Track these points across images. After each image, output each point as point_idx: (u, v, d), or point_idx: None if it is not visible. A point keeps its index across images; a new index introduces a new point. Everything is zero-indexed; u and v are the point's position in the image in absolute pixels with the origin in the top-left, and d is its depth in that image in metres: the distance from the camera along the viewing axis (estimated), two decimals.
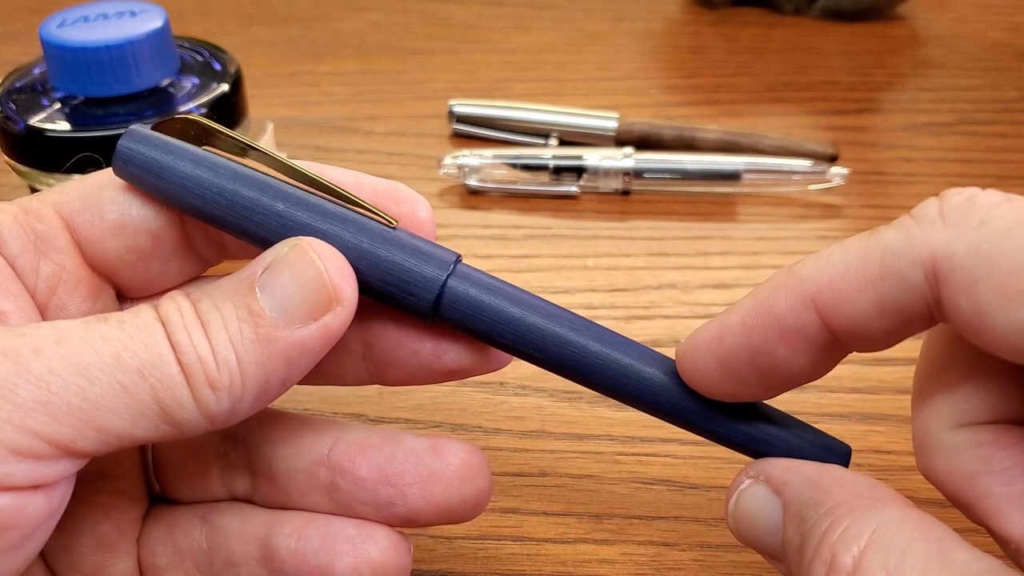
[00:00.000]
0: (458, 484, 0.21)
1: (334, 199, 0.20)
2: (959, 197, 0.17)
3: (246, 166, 0.20)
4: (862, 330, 0.18)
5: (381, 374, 0.22)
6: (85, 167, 0.21)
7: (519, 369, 0.32)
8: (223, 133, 0.21)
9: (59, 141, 0.32)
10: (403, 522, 0.21)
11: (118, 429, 0.17)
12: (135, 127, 0.20)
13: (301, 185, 0.20)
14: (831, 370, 0.20)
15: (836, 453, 0.21)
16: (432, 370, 0.21)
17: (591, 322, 0.21)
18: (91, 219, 0.21)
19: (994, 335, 0.16)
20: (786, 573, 0.19)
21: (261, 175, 0.20)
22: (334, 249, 0.19)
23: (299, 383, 0.20)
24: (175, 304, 0.18)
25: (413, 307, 0.20)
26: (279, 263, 0.19)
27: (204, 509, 0.22)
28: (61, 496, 0.18)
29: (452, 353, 0.21)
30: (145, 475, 0.23)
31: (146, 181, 0.20)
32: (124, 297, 0.22)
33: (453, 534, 0.26)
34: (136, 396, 0.17)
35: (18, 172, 0.33)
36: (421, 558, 0.26)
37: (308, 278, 0.19)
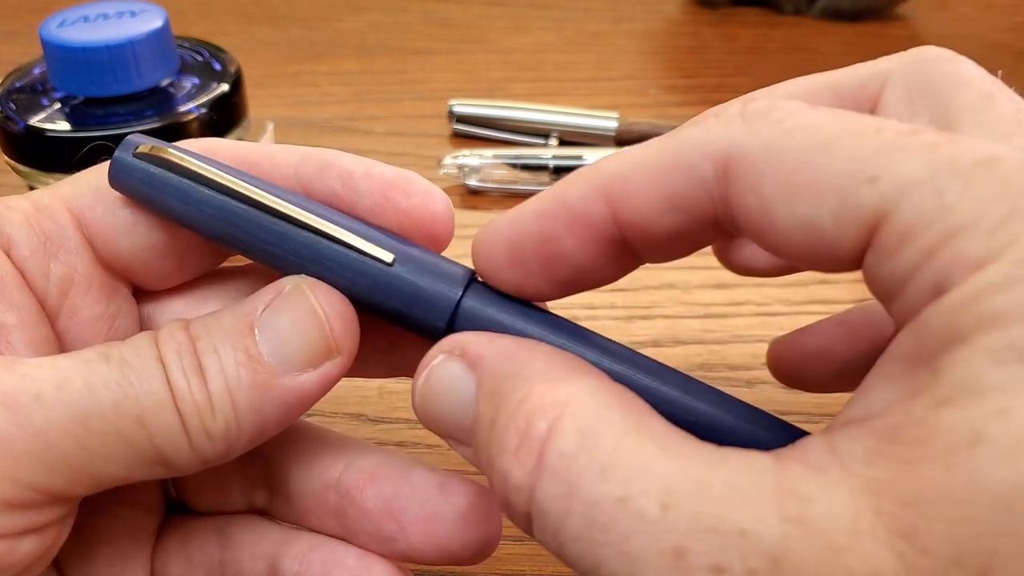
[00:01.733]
0: (463, 528, 0.20)
1: (324, 238, 0.19)
2: (762, 100, 0.16)
3: (232, 198, 0.19)
4: (647, 226, 0.17)
5: (407, 368, 0.21)
6: (96, 157, 0.21)
7: None
8: (199, 166, 0.19)
9: (59, 141, 0.32)
10: (403, 558, 0.20)
11: (112, 474, 0.17)
12: (130, 138, 0.20)
13: (292, 220, 0.19)
14: (619, 278, 0.19)
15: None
16: None
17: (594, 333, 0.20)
18: (103, 215, 0.20)
19: (777, 232, 0.15)
20: (472, 457, 0.18)
21: (241, 213, 0.19)
22: (336, 293, 0.19)
23: None
24: (175, 342, 0.18)
25: (425, 337, 0.19)
26: (280, 304, 0.18)
27: (222, 522, 0.22)
28: (56, 534, 0.18)
29: None
30: (163, 485, 0.22)
31: (145, 198, 0.20)
32: (140, 292, 0.21)
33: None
34: (134, 443, 0.17)
35: (18, 172, 0.33)
36: None
37: (308, 326, 0.18)
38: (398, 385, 0.31)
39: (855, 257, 0.15)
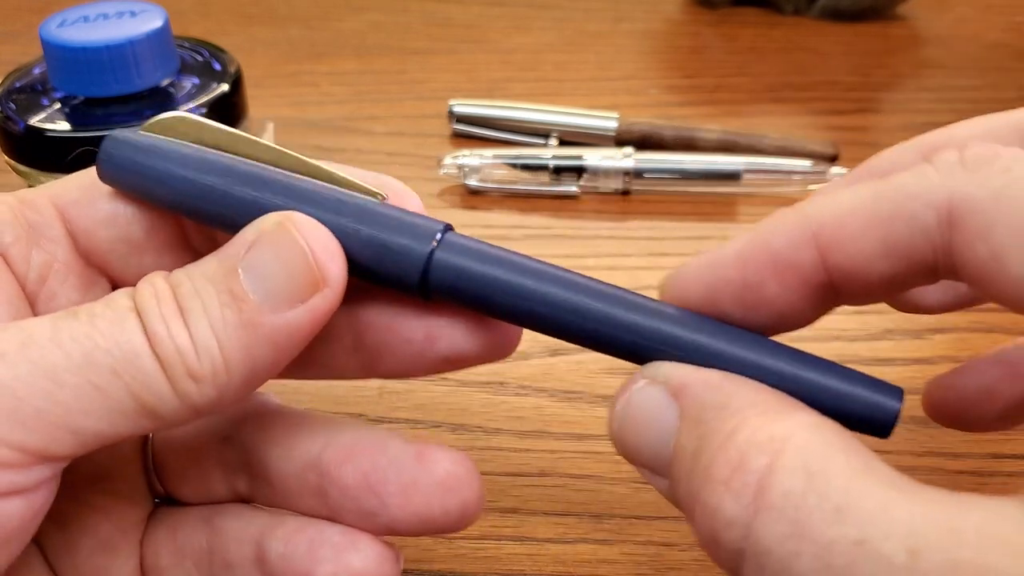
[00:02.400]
0: (441, 495, 0.20)
1: (322, 179, 0.20)
2: (981, 148, 0.17)
3: (230, 158, 0.20)
4: (861, 272, 0.17)
5: (374, 365, 0.21)
6: (88, 160, 0.21)
7: (520, 369, 0.32)
8: (210, 126, 0.21)
9: (59, 141, 0.32)
10: (387, 531, 0.20)
11: (95, 429, 0.17)
12: (115, 133, 0.20)
13: (288, 170, 0.20)
14: (815, 320, 0.19)
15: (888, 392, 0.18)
16: (427, 358, 0.20)
17: (586, 277, 0.20)
18: (85, 209, 0.20)
19: (1008, 281, 0.15)
20: (666, 490, 0.17)
21: (243, 165, 0.20)
22: (319, 225, 0.18)
23: (293, 378, 0.20)
24: (152, 289, 0.18)
25: (401, 281, 0.19)
26: (262, 241, 0.18)
27: (208, 511, 0.22)
28: (44, 497, 0.17)
29: (446, 340, 0.20)
30: (147, 477, 0.23)
31: (130, 184, 0.20)
32: (118, 286, 0.22)
33: (454, 534, 0.26)
34: (111, 395, 0.17)
35: (18, 172, 0.33)
36: (421, 558, 0.26)
37: (292, 259, 0.18)
38: (398, 385, 0.31)
39: None
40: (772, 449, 0.15)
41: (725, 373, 0.18)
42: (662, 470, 0.18)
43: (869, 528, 0.14)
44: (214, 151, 0.20)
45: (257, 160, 0.20)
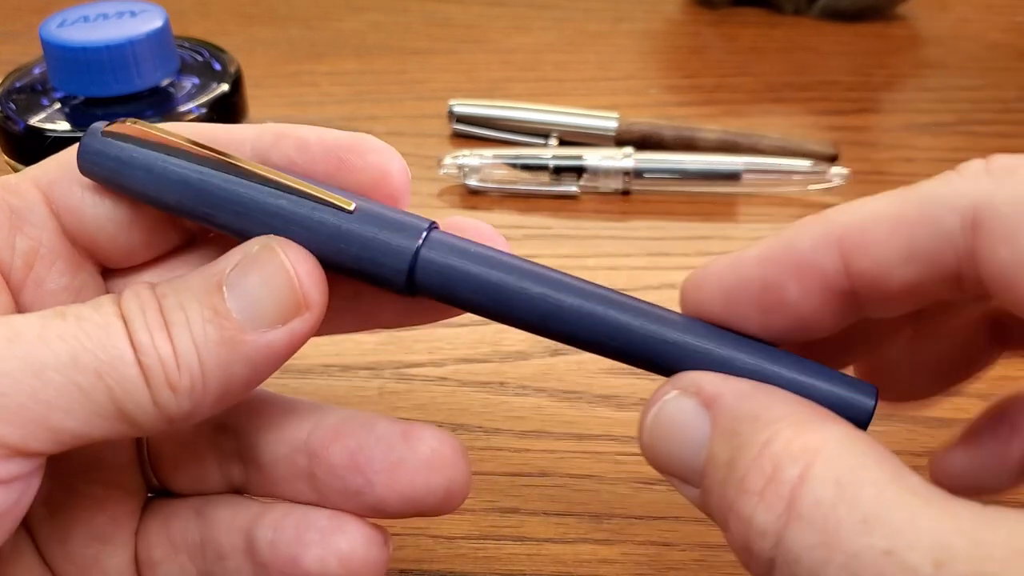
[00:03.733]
0: (426, 473, 0.20)
1: (286, 192, 0.19)
2: (1006, 158, 0.17)
3: (195, 167, 0.20)
4: (884, 277, 0.17)
5: (373, 316, 0.21)
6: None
7: (519, 369, 0.32)
8: (164, 135, 0.20)
9: (59, 141, 0.32)
10: (373, 512, 0.20)
11: (72, 429, 0.17)
12: (96, 126, 0.20)
13: (254, 176, 0.20)
14: (835, 331, 0.19)
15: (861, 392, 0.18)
16: (423, 309, 0.21)
17: (575, 278, 0.20)
18: (68, 188, 0.20)
19: None
20: (699, 499, 0.18)
21: (206, 178, 0.19)
22: (304, 251, 0.19)
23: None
24: (138, 300, 0.18)
25: (388, 283, 0.19)
26: (248, 262, 0.18)
27: (200, 502, 0.22)
28: (22, 489, 0.17)
29: None
30: (141, 468, 0.23)
31: (109, 182, 0.20)
32: (108, 270, 0.22)
33: (453, 534, 0.26)
34: (92, 397, 0.17)
35: (18, 172, 0.33)
36: (421, 558, 0.26)
37: (278, 282, 0.18)
38: (398, 385, 0.31)
39: None
40: (804, 460, 0.15)
41: (754, 383, 0.18)
42: (693, 480, 0.18)
43: (896, 539, 0.14)
44: (183, 162, 0.20)
45: (223, 174, 0.20)
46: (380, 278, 0.19)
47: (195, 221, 0.20)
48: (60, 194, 0.20)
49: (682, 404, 0.18)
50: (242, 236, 0.19)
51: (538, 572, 0.25)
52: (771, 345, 0.19)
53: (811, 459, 0.15)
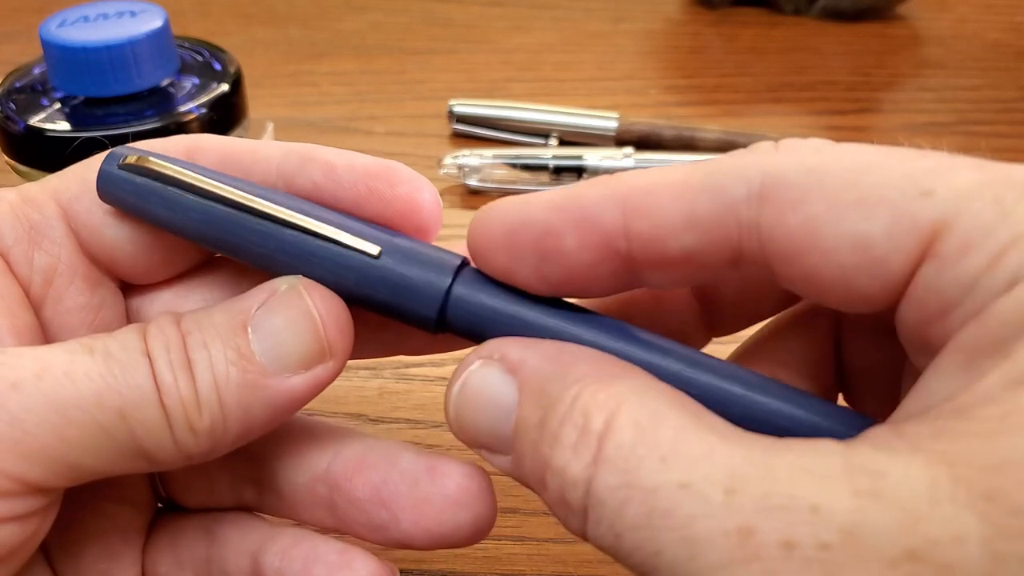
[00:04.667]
0: (453, 510, 0.19)
1: (309, 235, 0.19)
2: (794, 140, 0.17)
3: (216, 206, 0.19)
4: (662, 242, 0.17)
5: (401, 345, 0.21)
6: (88, 153, 0.21)
7: None
8: (183, 173, 0.19)
9: (59, 141, 0.32)
10: (398, 545, 0.20)
11: (92, 466, 0.17)
12: (114, 154, 0.20)
13: (277, 220, 0.19)
14: (606, 295, 0.18)
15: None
16: (450, 338, 0.20)
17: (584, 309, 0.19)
18: (88, 207, 0.20)
19: (823, 251, 0.15)
20: (508, 467, 0.18)
21: (228, 217, 0.19)
22: (332, 295, 0.18)
23: None
24: (163, 336, 0.18)
25: (418, 327, 0.19)
26: (274, 304, 0.18)
27: (209, 519, 0.22)
28: (39, 521, 0.17)
29: None
30: (152, 483, 0.22)
31: (128, 210, 0.20)
32: (128, 286, 0.21)
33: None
34: (114, 436, 0.17)
35: (18, 172, 0.33)
36: (421, 558, 0.26)
37: (303, 328, 0.18)
38: (398, 385, 0.31)
39: (904, 273, 0.15)
40: (608, 408, 0.16)
41: (558, 343, 0.18)
42: (502, 448, 0.18)
43: (691, 473, 0.14)
44: (203, 201, 0.19)
45: (240, 208, 0.19)
46: (409, 318, 0.19)
47: (218, 251, 0.20)
48: (79, 212, 0.20)
49: (487, 372, 0.18)
50: (268, 270, 0.19)
51: (538, 572, 0.25)
52: (571, 306, 0.19)
53: (615, 407, 0.16)
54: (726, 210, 0.16)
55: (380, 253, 0.19)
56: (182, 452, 0.18)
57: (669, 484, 0.14)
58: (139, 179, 0.19)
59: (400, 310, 0.19)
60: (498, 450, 0.18)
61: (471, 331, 0.19)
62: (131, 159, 0.20)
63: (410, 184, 0.20)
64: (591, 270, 0.17)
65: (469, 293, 0.19)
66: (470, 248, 0.19)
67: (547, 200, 0.18)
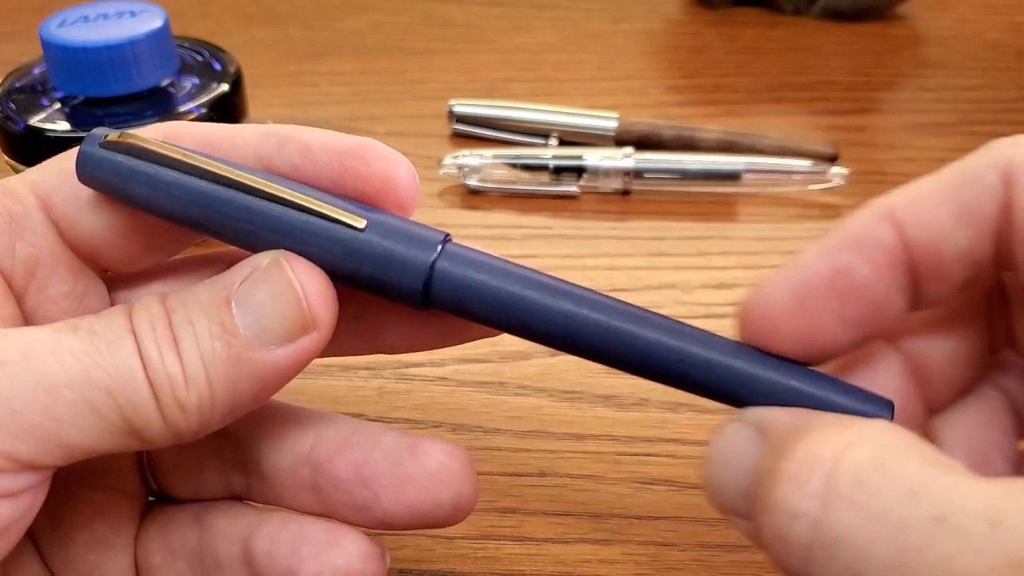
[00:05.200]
0: (434, 488, 0.20)
1: (295, 208, 0.19)
2: None
3: (198, 181, 0.19)
4: (936, 246, 0.18)
5: (376, 338, 0.21)
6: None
7: (519, 369, 0.32)
8: (165, 149, 0.20)
9: (59, 141, 0.32)
10: (380, 525, 0.20)
11: (82, 444, 0.17)
12: (94, 134, 0.20)
13: (260, 193, 0.19)
14: (905, 316, 0.18)
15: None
16: (428, 329, 0.21)
17: (588, 290, 0.20)
18: (67, 197, 0.20)
19: None
20: (752, 531, 0.17)
21: (210, 192, 0.19)
22: (314, 267, 0.19)
23: None
24: (148, 313, 0.18)
25: (402, 295, 0.19)
26: (257, 278, 0.18)
27: (200, 508, 0.22)
28: (30, 499, 0.17)
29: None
30: (141, 473, 0.23)
31: (109, 192, 0.20)
32: (113, 280, 0.22)
33: (453, 534, 0.26)
34: (103, 414, 0.17)
35: (18, 172, 0.33)
36: (421, 558, 0.26)
37: (285, 300, 0.18)
38: (398, 385, 0.31)
39: None
40: (841, 443, 0.15)
41: (813, 411, 0.18)
42: (745, 512, 0.17)
43: (945, 506, 0.14)
44: (185, 176, 0.19)
45: (228, 189, 0.19)
46: (395, 292, 0.19)
47: (200, 233, 0.20)
48: (57, 202, 0.20)
49: (741, 431, 0.18)
50: (252, 249, 0.19)
51: (538, 572, 0.25)
52: (797, 364, 0.19)
53: (848, 442, 0.15)
54: (987, 196, 0.17)
55: (366, 226, 0.19)
56: (171, 429, 0.18)
57: (922, 518, 0.14)
58: (121, 158, 0.19)
59: (386, 284, 0.19)
60: (743, 513, 0.17)
61: (457, 304, 0.19)
62: (113, 136, 0.20)
63: (385, 160, 0.20)
64: (886, 295, 0.18)
65: (454, 265, 0.19)
66: (754, 329, 0.19)
67: (819, 248, 0.18)
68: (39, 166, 0.21)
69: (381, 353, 0.22)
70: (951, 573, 0.13)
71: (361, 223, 0.19)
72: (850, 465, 0.15)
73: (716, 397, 0.19)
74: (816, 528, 0.15)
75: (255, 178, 0.19)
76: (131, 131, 0.20)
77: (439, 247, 0.19)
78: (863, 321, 0.18)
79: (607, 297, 0.19)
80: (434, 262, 0.19)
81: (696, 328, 0.19)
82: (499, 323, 0.19)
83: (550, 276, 0.19)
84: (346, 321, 0.21)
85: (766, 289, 0.19)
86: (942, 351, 0.20)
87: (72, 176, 0.20)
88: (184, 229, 0.21)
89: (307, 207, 0.19)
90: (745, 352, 0.19)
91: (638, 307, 0.19)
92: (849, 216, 0.18)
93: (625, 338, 0.19)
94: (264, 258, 0.19)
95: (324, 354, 0.21)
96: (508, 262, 0.20)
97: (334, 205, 0.19)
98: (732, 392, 0.19)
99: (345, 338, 0.21)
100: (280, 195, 0.19)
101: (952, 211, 0.18)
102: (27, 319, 0.20)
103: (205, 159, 0.19)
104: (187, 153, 0.19)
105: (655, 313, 0.19)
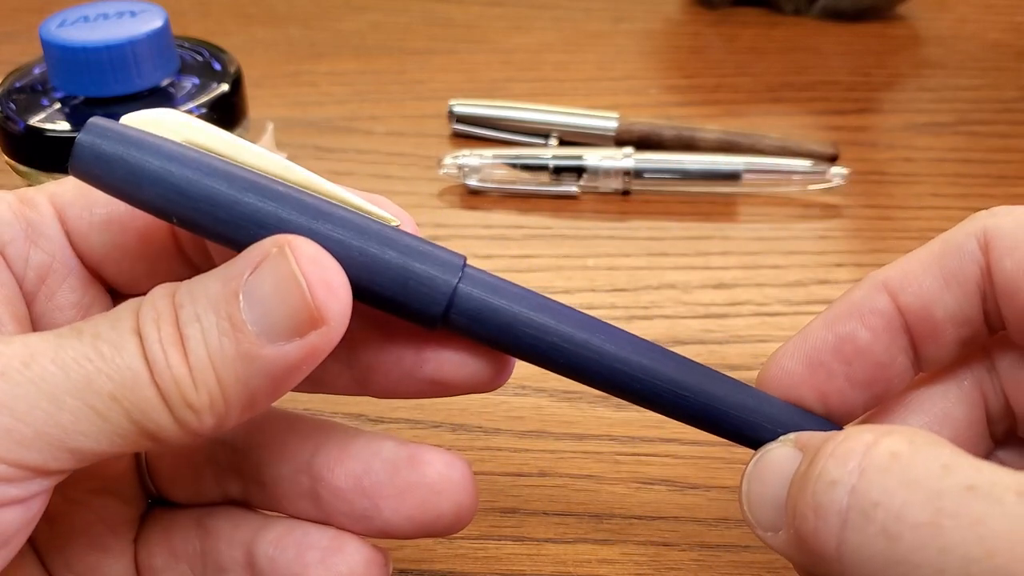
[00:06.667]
0: (434, 498, 0.20)
1: (327, 198, 0.19)
2: (1008, 206, 0.20)
3: (230, 163, 0.18)
4: (927, 309, 0.20)
5: (366, 382, 0.21)
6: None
7: (519, 369, 0.32)
8: (205, 129, 0.19)
9: (59, 141, 0.32)
10: (381, 535, 0.20)
11: (93, 449, 0.17)
12: (95, 120, 0.18)
13: (293, 185, 0.19)
14: (908, 380, 0.21)
15: None
16: (416, 379, 0.20)
17: (596, 319, 0.20)
18: (80, 212, 0.20)
19: None
20: (781, 543, 0.18)
21: (247, 173, 0.18)
22: (323, 256, 0.17)
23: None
24: (154, 311, 0.17)
25: (421, 313, 0.19)
26: (264, 267, 0.17)
27: (201, 512, 0.22)
28: (40, 503, 0.17)
29: (434, 363, 0.20)
30: (140, 477, 0.23)
31: (113, 181, 0.18)
32: (118, 293, 0.22)
33: (453, 534, 0.26)
34: (110, 419, 0.17)
35: (18, 172, 0.33)
36: (421, 558, 0.26)
37: (289, 293, 0.17)
38: None
39: None
40: (877, 432, 0.17)
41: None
42: (778, 520, 0.18)
43: (977, 478, 0.15)
44: (216, 155, 0.18)
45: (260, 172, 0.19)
46: (412, 311, 0.19)
47: (210, 233, 0.19)
48: (72, 217, 0.20)
49: (783, 450, 0.19)
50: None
51: (538, 572, 0.25)
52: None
53: (881, 434, 0.17)
54: (969, 261, 0.20)
55: (399, 225, 0.19)
56: (186, 430, 0.17)
57: (955, 487, 0.15)
58: (117, 148, 0.18)
59: (403, 303, 0.19)
60: (775, 525, 0.19)
61: (474, 326, 0.19)
62: (143, 115, 0.19)
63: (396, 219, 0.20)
64: (888, 356, 0.20)
65: (476, 289, 0.19)
66: (771, 386, 0.21)
67: (823, 318, 0.21)
68: (58, 180, 0.21)
69: (369, 396, 0.21)
70: (982, 535, 0.15)
71: (395, 221, 0.19)
72: (887, 444, 0.16)
73: (733, 438, 0.21)
74: (853, 493, 0.16)
75: (289, 163, 0.19)
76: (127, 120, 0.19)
77: (460, 272, 0.19)
78: (870, 381, 0.21)
79: (621, 330, 0.20)
80: (456, 285, 0.19)
81: (717, 372, 0.21)
82: (514, 348, 0.20)
83: (567, 306, 0.20)
84: (337, 364, 0.20)
85: (779, 358, 0.21)
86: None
87: (87, 192, 0.20)
88: (186, 255, 0.21)
89: (338, 198, 0.19)
90: (766, 398, 0.21)
91: (654, 343, 0.21)
92: (850, 288, 0.21)
93: (650, 374, 0.20)
94: (272, 245, 0.17)
95: (312, 390, 0.21)
96: (521, 287, 0.20)
97: (371, 202, 0.19)
98: (753, 436, 0.20)
99: (334, 379, 0.21)
100: (318, 182, 0.19)
101: (939, 277, 0.20)
102: (33, 324, 0.20)
103: (233, 141, 0.19)
104: (214, 131, 0.19)
105: (673, 352, 0.21)
